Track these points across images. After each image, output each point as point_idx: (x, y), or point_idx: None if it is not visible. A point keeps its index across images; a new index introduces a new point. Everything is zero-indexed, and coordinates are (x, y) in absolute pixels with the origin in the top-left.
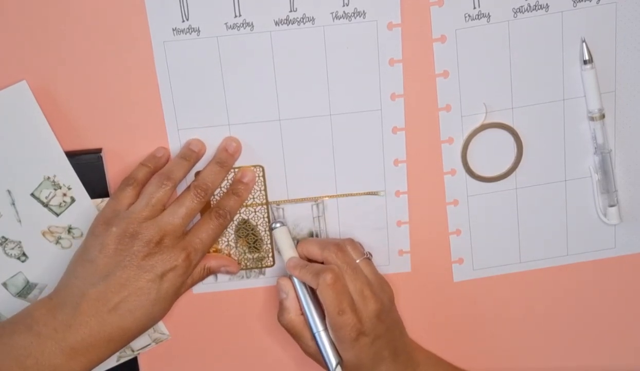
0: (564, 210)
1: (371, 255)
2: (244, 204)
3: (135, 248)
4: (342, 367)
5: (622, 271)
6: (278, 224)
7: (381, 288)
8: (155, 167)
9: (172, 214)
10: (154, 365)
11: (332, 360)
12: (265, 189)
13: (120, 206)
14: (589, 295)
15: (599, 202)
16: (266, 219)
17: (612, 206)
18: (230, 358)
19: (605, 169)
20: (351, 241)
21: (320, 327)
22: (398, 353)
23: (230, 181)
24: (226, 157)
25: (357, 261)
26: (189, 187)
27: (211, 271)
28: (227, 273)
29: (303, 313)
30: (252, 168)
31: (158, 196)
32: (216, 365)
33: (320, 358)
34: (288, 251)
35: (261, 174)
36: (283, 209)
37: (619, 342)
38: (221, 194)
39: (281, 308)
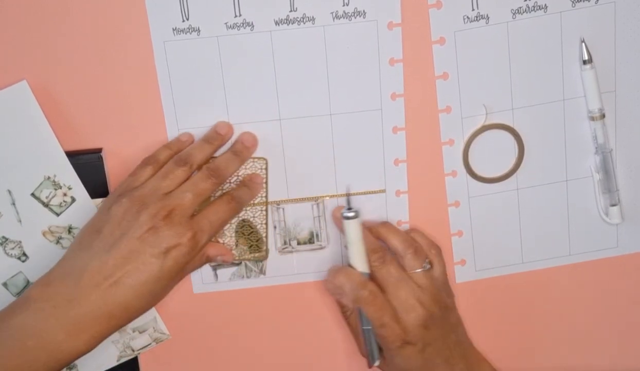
0: (566, 210)
1: (429, 265)
2: (250, 204)
3: (142, 220)
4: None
5: (625, 271)
6: (351, 214)
7: (433, 297)
8: (178, 150)
9: (183, 191)
10: (154, 365)
11: (374, 355)
12: (266, 182)
13: (135, 183)
14: (592, 295)
15: (601, 201)
16: (264, 212)
17: (613, 205)
18: (230, 358)
19: (606, 169)
20: (413, 250)
21: (368, 324)
22: (454, 362)
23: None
24: (242, 148)
25: (413, 271)
26: (202, 168)
27: (209, 259)
28: (223, 261)
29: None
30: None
31: (175, 174)
32: (216, 365)
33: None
34: (355, 252)
35: (264, 166)
36: (283, 209)
37: (621, 342)
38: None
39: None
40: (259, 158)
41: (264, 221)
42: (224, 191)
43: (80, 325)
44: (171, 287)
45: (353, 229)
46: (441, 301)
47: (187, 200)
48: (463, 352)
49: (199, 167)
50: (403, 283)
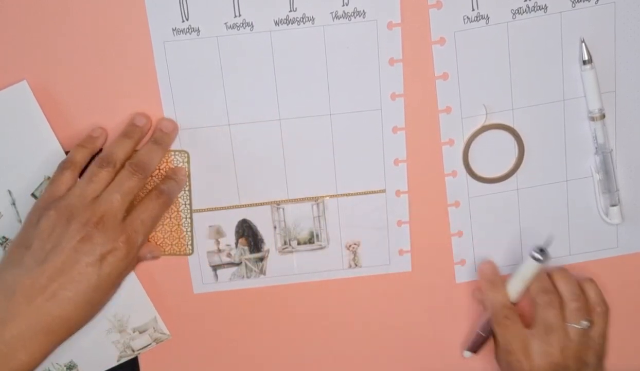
0: (566, 210)
1: (589, 324)
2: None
3: (73, 230)
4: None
5: (625, 271)
6: (541, 257)
7: (576, 353)
8: (93, 148)
9: (110, 193)
10: (154, 365)
11: (472, 349)
12: (189, 175)
13: (58, 192)
14: None
15: (601, 202)
16: (188, 206)
17: (613, 205)
18: (231, 358)
19: (606, 169)
20: (578, 304)
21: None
22: None
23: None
24: (162, 135)
25: (572, 325)
26: (125, 165)
27: (140, 258)
28: (153, 258)
29: None
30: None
31: (99, 177)
32: (216, 365)
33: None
34: (517, 286)
35: (186, 160)
36: (283, 208)
37: (621, 342)
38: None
39: None
40: (180, 151)
41: (189, 216)
42: (152, 187)
43: (17, 345)
44: (112, 293)
45: (531, 270)
46: (582, 358)
47: (116, 202)
48: None
49: (122, 164)
50: (555, 331)
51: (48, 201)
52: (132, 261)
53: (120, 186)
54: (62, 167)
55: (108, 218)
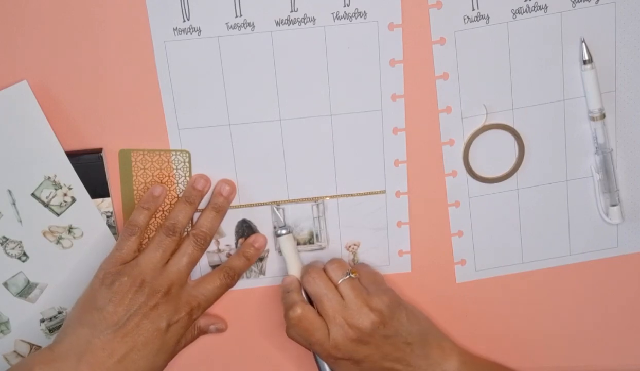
0: (566, 210)
1: (355, 274)
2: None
3: (144, 298)
4: None
5: (625, 271)
6: (283, 231)
7: (361, 311)
8: (155, 209)
9: (177, 263)
10: None
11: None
12: (189, 176)
13: (126, 257)
14: (592, 295)
15: (601, 201)
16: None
17: (613, 205)
18: (231, 358)
19: (606, 169)
20: (336, 261)
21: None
22: (409, 364)
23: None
24: (222, 201)
25: (339, 281)
26: (188, 235)
27: (201, 331)
28: (217, 331)
29: None
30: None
31: (166, 245)
32: (216, 365)
33: None
34: (291, 265)
35: (187, 159)
36: (283, 209)
37: (622, 342)
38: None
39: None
40: (181, 151)
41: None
42: (220, 266)
43: None
44: (169, 359)
45: (288, 244)
46: (369, 316)
47: (182, 271)
48: (410, 353)
49: (185, 228)
50: (332, 301)
51: (117, 266)
52: (187, 333)
53: (186, 257)
54: (128, 233)
55: (175, 288)
